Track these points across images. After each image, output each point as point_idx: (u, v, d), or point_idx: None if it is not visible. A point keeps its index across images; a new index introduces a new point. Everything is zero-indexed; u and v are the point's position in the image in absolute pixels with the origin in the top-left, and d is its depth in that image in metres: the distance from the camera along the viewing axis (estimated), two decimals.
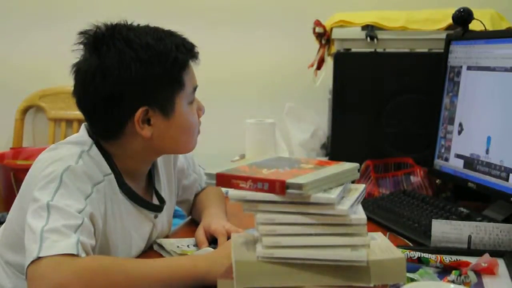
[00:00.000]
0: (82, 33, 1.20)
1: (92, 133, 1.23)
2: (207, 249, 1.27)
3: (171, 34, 1.22)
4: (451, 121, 1.65)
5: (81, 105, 1.22)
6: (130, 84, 1.16)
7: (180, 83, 1.21)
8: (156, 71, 1.17)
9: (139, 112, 1.17)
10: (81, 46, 1.20)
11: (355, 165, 1.02)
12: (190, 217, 1.58)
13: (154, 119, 1.20)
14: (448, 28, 1.82)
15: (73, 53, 1.20)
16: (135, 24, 1.22)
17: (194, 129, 1.26)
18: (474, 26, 1.63)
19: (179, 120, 1.22)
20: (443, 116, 1.69)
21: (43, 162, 1.17)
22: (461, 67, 1.63)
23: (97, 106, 1.18)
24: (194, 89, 1.26)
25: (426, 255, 1.17)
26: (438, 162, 1.70)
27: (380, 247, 0.96)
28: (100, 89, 1.16)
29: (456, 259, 1.16)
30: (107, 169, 1.21)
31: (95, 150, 1.21)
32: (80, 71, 1.19)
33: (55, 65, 1.62)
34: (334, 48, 1.93)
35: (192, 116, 1.25)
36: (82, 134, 1.24)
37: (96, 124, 1.22)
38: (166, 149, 1.28)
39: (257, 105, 2.59)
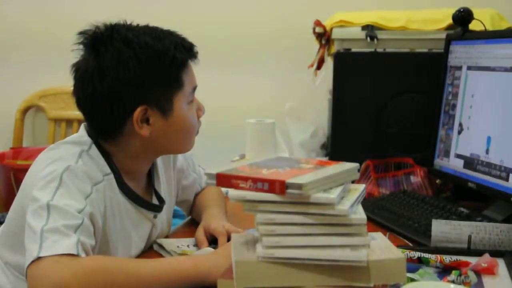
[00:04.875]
0: (81, 33, 1.21)
1: (91, 133, 1.23)
2: (207, 249, 1.27)
3: (170, 34, 1.22)
4: (451, 121, 1.65)
5: (80, 105, 1.22)
6: (129, 83, 1.16)
7: (179, 83, 1.21)
8: (154, 70, 1.17)
9: (138, 111, 1.17)
10: (81, 46, 1.20)
11: (355, 165, 1.02)
12: (190, 217, 1.59)
13: (153, 119, 1.20)
14: (448, 28, 1.82)
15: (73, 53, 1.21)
16: (134, 24, 1.23)
17: (193, 129, 1.26)
18: (474, 26, 1.63)
19: (178, 119, 1.22)
20: (443, 116, 1.69)
21: (42, 162, 1.17)
22: (461, 67, 1.63)
23: (96, 106, 1.19)
24: (194, 89, 1.26)
25: (426, 255, 1.17)
26: (438, 162, 1.70)
27: (380, 247, 0.96)
28: (99, 88, 1.16)
29: (456, 259, 1.16)
30: (107, 169, 1.21)
31: (94, 150, 1.21)
32: (79, 71, 1.19)
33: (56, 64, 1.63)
34: (334, 48, 1.93)
35: (191, 116, 1.25)
36: (81, 134, 1.24)
37: (96, 123, 1.22)
38: (165, 149, 1.28)
39: (257, 105, 2.59)
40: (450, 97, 1.67)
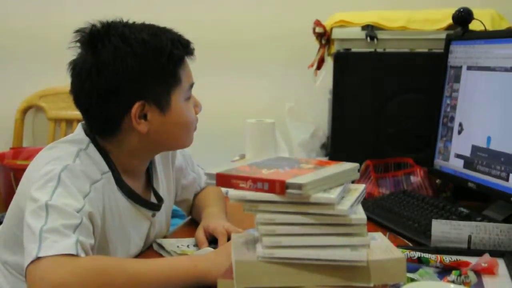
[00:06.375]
0: (78, 31, 1.21)
1: (89, 130, 1.24)
2: (207, 249, 1.27)
3: (166, 31, 1.23)
4: (451, 121, 1.65)
5: (78, 102, 1.22)
6: (126, 78, 1.16)
7: (176, 79, 1.22)
8: (151, 66, 1.18)
9: (136, 107, 1.18)
10: (77, 44, 1.21)
11: (355, 165, 1.02)
12: (190, 217, 1.59)
13: (151, 114, 1.20)
14: (448, 28, 1.82)
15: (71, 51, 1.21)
16: (130, 21, 1.23)
17: (190, 125, 1.27)
18: (474, 26, 1.63)
19: (175, 115, 1.22)
20: (443, 116, 1.69)
21: (40, 162, 1.17)
22: (461, 67, 1.63)
23: (94, 102, 1.19)
24: (191, 86, 1.27)
25: (426, 255, 1.17)
26: (438, 162, 1.70)
27: (380, 247, 0.96)
28: (96, 84, 1.17)
29: (456, 259, 1.16)
30: (105, 168, 1.21)
31: (92, 149, 1.21)
32: (77, 68, 1.20)
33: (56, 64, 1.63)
34: (334, 48, 1.94)
35: (188, 112, 1.25)
36: (78, 132, 1.25)
37: (94, 120, 1.23)
38: (162, 145, 1.28)
39: (257, 105, 2.59)
40: (448, 109, 1.67)
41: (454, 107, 1.64)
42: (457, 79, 1.64)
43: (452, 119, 1.65)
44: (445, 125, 1.67)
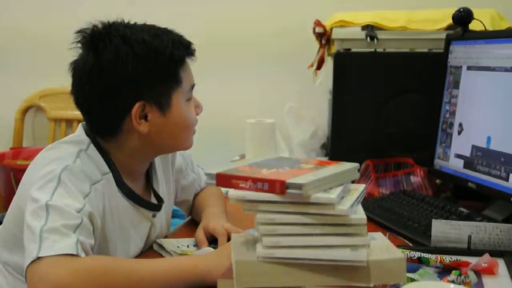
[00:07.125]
0: (79, 31, 1.21)
1: (90, 130, 1.24)
2: (207, 249, 1.27)
3: (167, 32, 1.23)
4: (450, 127, 1.65)
5: (79, 102, 1.22)
6: (127, 79, 1.17)
7: (177, 79, 1.22)
8: (152, 66, 1.18)
9: (136, 107, 1.18)
10: (79, 45, 1.21)
11: (355, 165, 1.02)
12: (190, 217, 1.59)
13: (151, 115, 1.20)
14: (448, 28, 1.82)
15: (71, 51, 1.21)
16: (132, 22, 1.23)
17: (191, 126, 1.27)
18: (474, 26, 1.63)
19: (176, 116, 1.22)
20: (443, 116, 1.69)
21: (40, 162, 1.17)
22: (461, 67, 1.63)
23: (95, 102, 1.19)
24: (192, 87, 1.27)
25: (426, 255, 1.17)
26: (438, 162, 1.70)
27: (380, 247, 0.96)
28: (97, 85, 1.17)
29: (456, 259, 1.16)
30: (105, 168, 1.21)
31: (92, 149, 1.21)
32: (78, 69, 1.20)
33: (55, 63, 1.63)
34: (334, 48, 1.93)
35: (189, 113, 1.25)
36: (79, 133, 1.25)
37: (94, 121, 1.23)
38: (163, 146, 1.28)
39: (257, 105, 2.59)
40: (447, 115, 1.67)
41: (453, 113, 1.64)
42: (456, 85, 1.64)
43: (451, 125, 1.64)
44: (444, 131, 1.67)
